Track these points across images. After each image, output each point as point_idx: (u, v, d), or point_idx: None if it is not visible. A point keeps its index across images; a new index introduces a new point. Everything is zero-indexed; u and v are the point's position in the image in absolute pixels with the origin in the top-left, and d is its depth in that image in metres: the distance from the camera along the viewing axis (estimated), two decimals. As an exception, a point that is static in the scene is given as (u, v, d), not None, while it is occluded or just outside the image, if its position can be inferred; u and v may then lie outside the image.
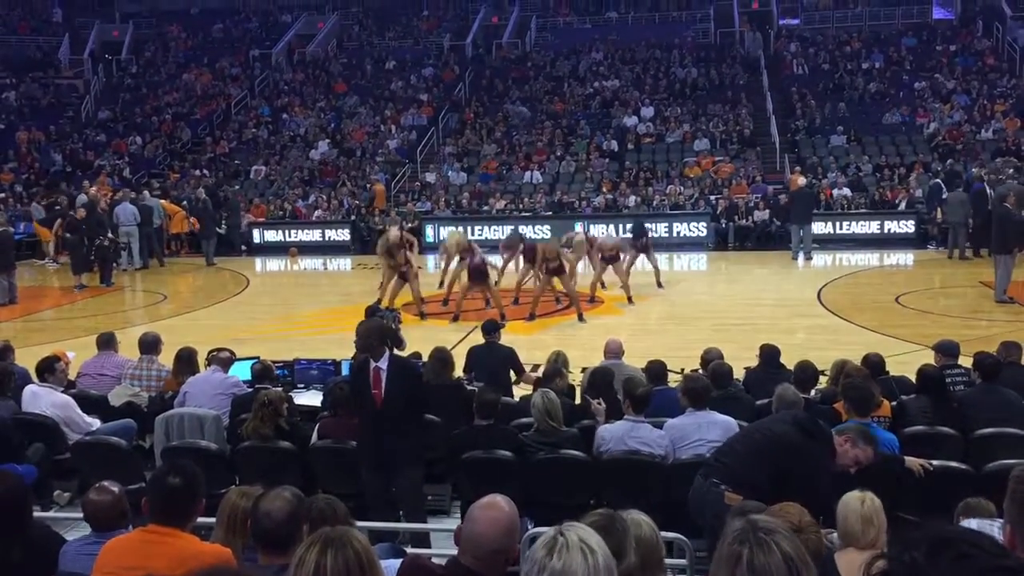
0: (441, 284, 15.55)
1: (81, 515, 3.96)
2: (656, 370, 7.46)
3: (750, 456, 4.69)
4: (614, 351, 8.25)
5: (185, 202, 23.10)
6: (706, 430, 5.93)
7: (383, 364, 5.89)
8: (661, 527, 3.43)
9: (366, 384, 5.93)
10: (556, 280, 14.18)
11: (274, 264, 21.95)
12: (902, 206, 21.41)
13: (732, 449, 4.86)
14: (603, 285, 15.10)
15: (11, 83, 33.53)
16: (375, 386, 5.88)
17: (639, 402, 6.12)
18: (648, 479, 5.87)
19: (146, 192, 22.95)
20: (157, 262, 21.27)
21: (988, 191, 18.29)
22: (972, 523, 4.32)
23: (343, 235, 23.14)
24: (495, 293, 13.74)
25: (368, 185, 25.19)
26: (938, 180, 20.42)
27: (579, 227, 19.99)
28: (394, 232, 14.37)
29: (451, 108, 29.90)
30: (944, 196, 19.43)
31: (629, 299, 14.61)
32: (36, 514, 4.64)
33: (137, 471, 6.40)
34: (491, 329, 9.08)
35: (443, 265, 15.90)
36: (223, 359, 7.72)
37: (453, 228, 18.78)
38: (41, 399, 7.16)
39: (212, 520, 3.92)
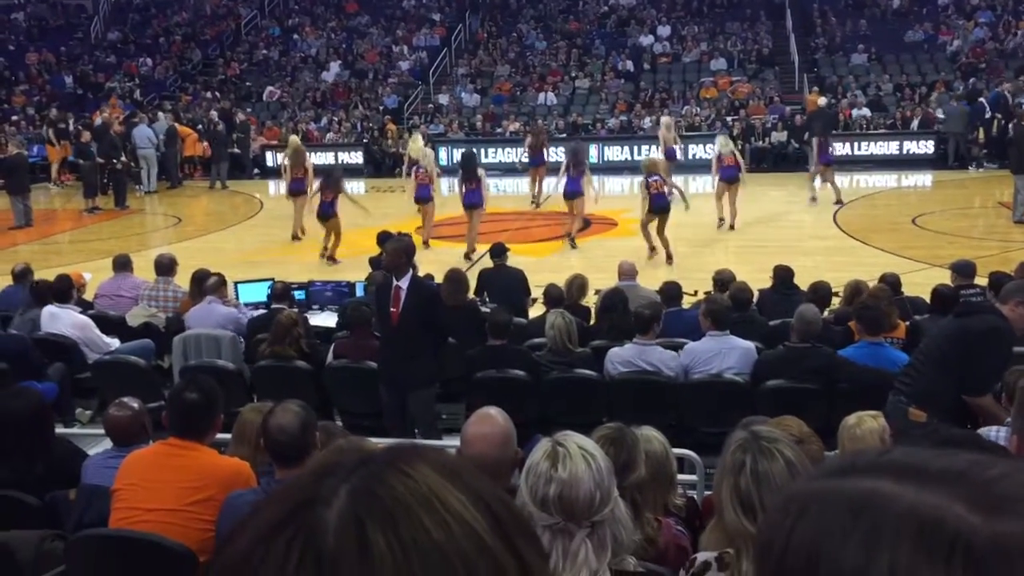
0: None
1: (102, 432, 4.05)
2: (671, 291, 7.48)
3: (931, 368, 4.61)
4: (627, 272, 8.26)
5: (200, 125, 22.98)
6: (725, 356, 5.96)
7: (404, 284, 5.95)
8: (673, 445, 3.48)
9: (386, 301, 6.01)
10: None
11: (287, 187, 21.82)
12: (914, 125, 21.06)
13: (914, 367, 4.76)
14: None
15: (18, 3, 33.03)
16: (393, 304, 5.96)
17: (645, 324, 6.12)
18: (660, 398, 5.93)
19: (161, 114, 22.81)
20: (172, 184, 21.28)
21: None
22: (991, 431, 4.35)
23: (356, 158, 22.97)
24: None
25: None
26: (982, 100, 20.05)
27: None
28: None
29: (471, 9, 29.32)
30: (984, 112, 19.35)
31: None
32: (59, 431, 4.75)
33: (156, 389, 6.50)
34: (499, 252, 9.09)
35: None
36: (215, 284, 7.48)
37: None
38: (60, 320, 7.25)
39: (229, 436, 4.00)
